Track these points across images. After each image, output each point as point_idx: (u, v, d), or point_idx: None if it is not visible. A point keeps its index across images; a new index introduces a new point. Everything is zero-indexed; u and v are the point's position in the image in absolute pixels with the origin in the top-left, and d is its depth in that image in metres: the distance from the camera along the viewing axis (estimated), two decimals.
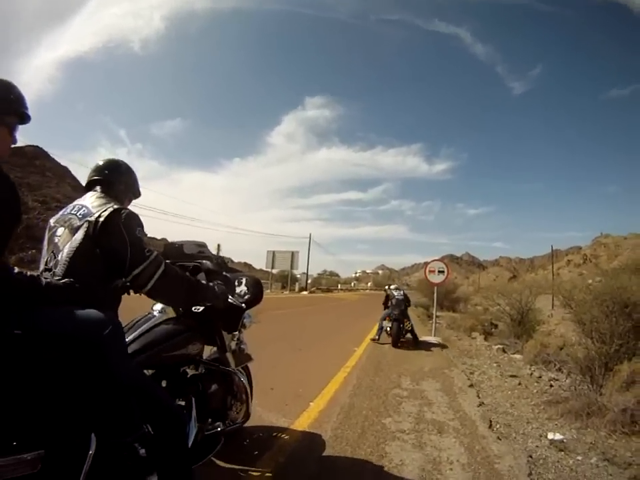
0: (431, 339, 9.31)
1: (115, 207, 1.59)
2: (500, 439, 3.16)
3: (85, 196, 1.74)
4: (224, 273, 2.16)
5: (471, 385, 4.90)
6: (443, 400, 4.21)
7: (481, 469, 2.60)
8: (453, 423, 3.48)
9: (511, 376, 5.68)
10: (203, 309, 2.05)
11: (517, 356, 7.83)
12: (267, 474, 2.29)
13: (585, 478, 2.66)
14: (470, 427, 3.40)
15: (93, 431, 1.35)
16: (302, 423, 3.19)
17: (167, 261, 1.67)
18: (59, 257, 1.55)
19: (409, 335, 8.29)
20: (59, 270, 1.52)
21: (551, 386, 5.10)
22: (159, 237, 39.01)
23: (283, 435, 2.91)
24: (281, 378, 4.46)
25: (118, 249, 1.52)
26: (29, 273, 1.44)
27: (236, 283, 2.33)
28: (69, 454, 1.29)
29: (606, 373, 4.80)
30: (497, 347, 8.88)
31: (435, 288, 11.01)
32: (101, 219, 1.52)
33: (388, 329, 8.00)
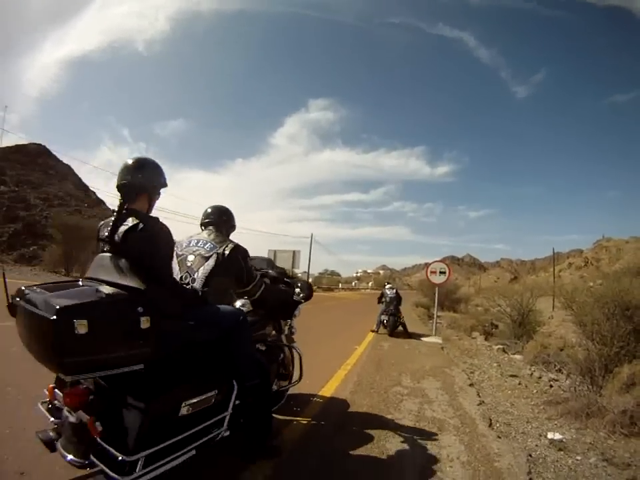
0: (432, 338, 9.34)
1: (234, 244, 2.44)
2: (500, 438, 3.18)
3: (202, 232, 2.57)
4: (285, 279, 3.08)
5: (471, 384, 4.92)
6: (443, 398, 4.23)
7: (481, 467, 2.62)
8: (453, 421, 3.50)
9: (511, 376, 5.69)
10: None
11: (517, 356, 7.85)
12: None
13: (584, 478, 2.68)
14: (470, 425, 3.43)
15: (234, 378, 2.12)
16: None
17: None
18: (195, 276, 2.32)
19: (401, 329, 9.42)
20: (197, 284, 2.29)
21: (551, 386, 5.11)
22: None
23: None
24: None
25: (237, 272, 2.41)
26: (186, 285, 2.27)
27: (294, 286, 3.09)
28: (226, 392, 2.06)
29: (606, 374, 4.82)
30: (497, 347, 8.89)
31: (436, 288, 11.04)
32: (226, 252, 2.36)
33: (385, 321, 9.25)
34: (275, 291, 2.80)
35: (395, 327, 9.10)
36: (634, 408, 3.47)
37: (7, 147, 27.59)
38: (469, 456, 2.78)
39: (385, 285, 10.51)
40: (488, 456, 2.80)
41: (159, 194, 2.10)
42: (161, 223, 1.92)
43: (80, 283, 1.80)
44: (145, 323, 1.63)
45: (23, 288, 1.70)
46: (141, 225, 1.82)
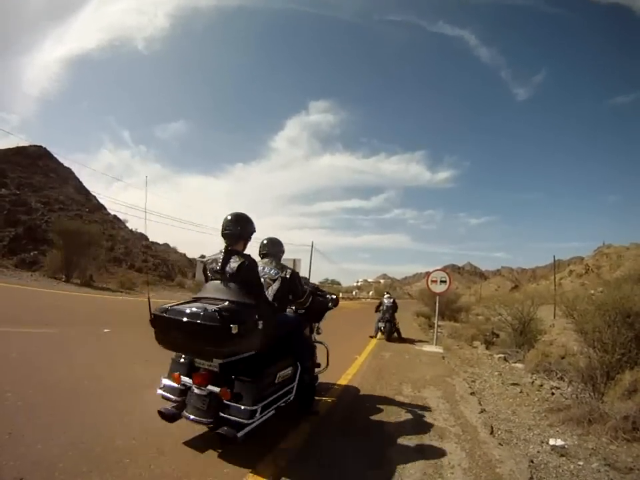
0: (433, 347, 9.29)
1: (291, 270, 3.33)
2: (501, 445, 3.16)
3: (263, 260, 3.39)
4: (318, 292, 3.94)
5: (472, 393, 4.89)
6: (444, 407, 4.21)
7: (482, 473, 2.60)
8: (455, 429, 3.47)
9: (513, 384, 5.66)
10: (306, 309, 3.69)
11: (519, 365, 7.81)
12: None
13: None
14: (471, 433, 3.40)
15: (297, 360, 3.11)
16: (305, 429, 3.16)
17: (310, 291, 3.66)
18: (266, 293, 3.04)
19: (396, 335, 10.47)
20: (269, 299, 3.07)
21: (553, 394, 5.08)
22: (161, 242, 39.01)
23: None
24: None
25: (295, 290, 3.30)
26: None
27: (325, 297, 4.03)
28: (294, 370, 3.05)
29: (608, 381, 4.80)
30: (498, 356, 8.85)
31: (437, 297, 10.99)
32: (287, 276, 3.24)
33: (382, 328, 10.24)
34: (317, 302, 3.77)
35: (391, 332, 10.20)
36: (636, 414, 3.46)
37: (8, 148, 27.52)
38: (471, 462, 2.76)
39: (384, 295, 11.43)
40: (489, 462, 2.78)
41: (251, 238, 2.99)
42: (253, 258, 2.84)
43: (200, 302, 2.61)
44: (260, 324, 2.59)
45: (167, 306, 2.53)
46: (246, 262, 2.72)
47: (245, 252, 2.88)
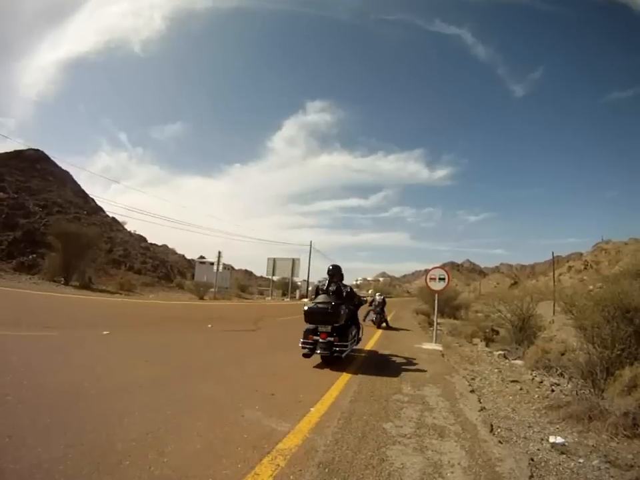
0: (432, 345, 9.29)
1: (350, 286, 6.72)
2: (501, 443, 3.16)
3: (337, 282, 6.50)
4: (357, 295, 7.06)
5: (472, 391, 4.89)
6: (444, 405, 4.20)
7: (482, 472, 2.59)
8: (454, 428, 3.46)
9: (512, 381, 5.67)
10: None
11: (518, 362, 7.81)
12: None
13: None
14: (471, 431, 3.40)
15: (356, 328, 6.80)
16: (302, 428, 3.15)
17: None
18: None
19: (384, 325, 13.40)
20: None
21: (553, 391, 5.08)
22: (159, 244, 38.99)
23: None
24: (281, 384, 4.46)
25: (353, 297, 6.76)
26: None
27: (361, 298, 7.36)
28: (355, 331, 6.76)
29: (607, 377, 4.79)
30: (498, 353, 8.85)
31: (436, 295, 11.01)
32: (349, 290, 6.59)
33: (374, 318, 13.22)
34: (360, 302, 7.03)
35: (381, 322, 13.20)
36: (636, 410, 3.46)
37: (5, 152, 27.40)
38: (470, 461, 2.75)
39: (376, 294, 14.54)
40: (489, 461, 2.78)
41: (339, 274, 6.57)
42: (340, 285, 6.43)
43: (317, 304, 5.95)
44: (347, 311, 6.19)
45: (310, 304, 6.05)
46: (338, 287, 6.36)
47: (337, 281, 6.41)
